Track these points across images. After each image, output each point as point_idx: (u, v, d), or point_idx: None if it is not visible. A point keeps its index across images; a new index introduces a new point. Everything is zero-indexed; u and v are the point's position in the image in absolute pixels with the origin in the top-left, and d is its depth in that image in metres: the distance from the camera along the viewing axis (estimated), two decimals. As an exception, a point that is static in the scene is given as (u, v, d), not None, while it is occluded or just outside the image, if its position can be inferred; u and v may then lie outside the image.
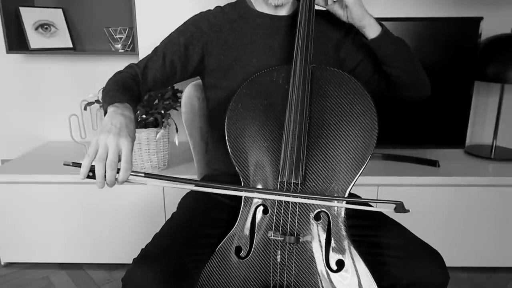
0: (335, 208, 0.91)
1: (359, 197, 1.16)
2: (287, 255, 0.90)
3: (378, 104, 0.95)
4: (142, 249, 0.91)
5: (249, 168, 0.96)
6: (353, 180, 0.92)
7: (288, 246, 0.90)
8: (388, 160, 1.82)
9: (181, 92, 1.52)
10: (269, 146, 0.96)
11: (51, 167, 1.71)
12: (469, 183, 1.64)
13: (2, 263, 1.80)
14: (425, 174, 1.66)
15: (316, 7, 1.05)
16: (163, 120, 1.62)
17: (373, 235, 0.98)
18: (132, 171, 0.80)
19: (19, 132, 2.13)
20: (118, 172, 0.79)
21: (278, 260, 0.90)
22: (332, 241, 0.90)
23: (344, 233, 0.90)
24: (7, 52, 1.87)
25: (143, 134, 1.62)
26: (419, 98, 1.16)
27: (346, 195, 0.92)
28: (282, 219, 0.91)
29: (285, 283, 0.90)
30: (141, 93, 1.07)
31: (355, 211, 0.91)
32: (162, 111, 1.61)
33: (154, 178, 0.82)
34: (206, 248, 0.96)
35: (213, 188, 0.87)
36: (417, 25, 1.67)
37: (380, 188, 1.65)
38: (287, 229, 0.91)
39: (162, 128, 1.64)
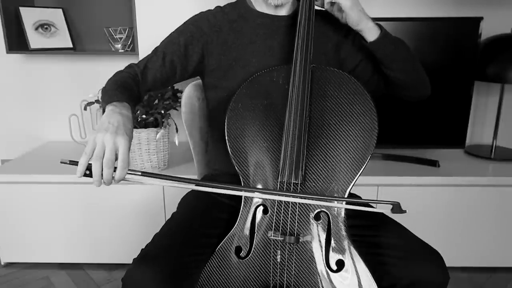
0: (335, 208, 0.91)
1: (358, 197, 1.16)
2: (287, 255, 0.90)
3: (378, 104, 0.95)
4: (142, 249, 0.91)
5: (249, 168, 0.96)
6: (353, 180, 0.92)
7: (288, 246, 0.90)
8: (388, 160, 1.82)
9: (181, 92, 1.52)
10: (269, 146, 0.96)
11: (51, 167, 1.71)
12: (469, 183, 1.64)
13: (2, 263, 1.80)
14: (425, 174, 1.66)
15: (316, 8, 1.05)
16: (163, 120, 1.62)
17: (373, 235, 0.98)
18: (129, 170, 0.80)
19: (19, 132, 2.13)
20: (115, 171, 0.79)
21: (278, 260, 0.90)
22: (332, 241, 0.90)
23: (344, 233, 0.90)
24: (7, 52, 1.87)
25: (143, 134, 1.62)
26: (419, 98, 1.16)
27: (346, 195, 0.92)
28: (282, 219, 0.91)
29: (285, 283, 0.90)
30: (140, 93, 1.07)
31: (355, 211, 0.91)
32: (162, 111, 1.61)
33: (151, 176, 0.82)
34: (206, 248, 0.96)
35: (212, 187, 0.87)
36: (417, 25, 1.67)
37: (380, 188, 1.65)
38: (287, 229, 0.91)
39: (162, 128, 1.64)
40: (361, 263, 0.88)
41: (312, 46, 1.00)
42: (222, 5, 1.15)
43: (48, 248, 1.74)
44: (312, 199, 0.90)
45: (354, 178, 0.92)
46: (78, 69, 2.04)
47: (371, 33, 1.03)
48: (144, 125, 1.62)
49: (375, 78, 1.13)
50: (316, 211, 0.91)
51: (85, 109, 1.68)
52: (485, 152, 1.89)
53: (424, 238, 0.97)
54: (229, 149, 0.98)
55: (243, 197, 0.95)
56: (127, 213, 1.69)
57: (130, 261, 0.87)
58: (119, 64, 1.96)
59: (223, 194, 0.89)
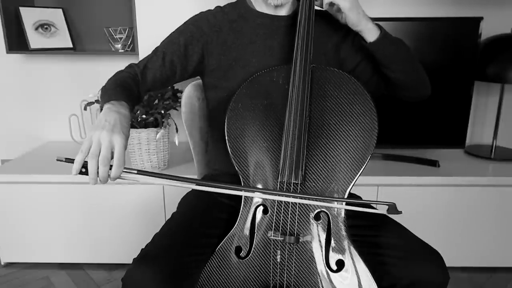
0: (335, 208, 0.91)
1: (358, 197, 1.16)
2: (287, 255, 0.90)
3: (378, 104, 0.95)
4: (142, 249, 0.91)
5: (249, 168, 0.96)
6: (353, 180, 0.92)
7: (288, 246, 0.90)
8: (388, 160, 1.82)
9: (181, 92, 1.52)
10: (269, 146, 0.96)
11: (51, 167, 1.71)
12: (469, 183, 1.64)
13: (2, 263, 1.80)
14: (425, 174, 1.66)
15: (316, 7, 1.05)
16: (163, 120, 1.62)
17: (373, 235, 0.98)
18: (125, 168, 0.80)
19: (19, 132, 2.13)
20: (111, 169, 0.79)
21: (278, 260, 0.90)
22: (332, 241, 0.90)
23: (344, 233, 0.90)
24: (7, 52, 1.87)
25: (143, 134, 1.62)
26: (419, 98, 1.16)
27: (346, 195, 0.92)
28: (282, 219, 0.91)
29: (285, 283, 0.90)
30: (140, 93, 1.07)
31: (355, 211, 0.91)
32: (162, 111, 1.61)
33: (146, 175, 0.82)
34: (206, 248, 0.96)
35: (212, 187, 0.87)
36: (417, 25, 1.67)
37: (380, 188, 1.65)
38: (287, 229, 0.91)
39: (162, 128, 1.64)
40: (361, 263, 0.88)
41: (312, 46, 1.00)
42: (222, 5, 1.15)
43: (48, 248, 1.74)
44: (312, 200, 0.90)
45: (354, 178, 0.92)
46: (78, 69, 2.04)
47: (370, 34, 1.03)
48: (144, 125, 1.62)
49: (375, 79, 1.13)
50: (316, 211, 0.91)
51: (85, 109, 1.68)
52: (485, 152, 1.89)
53: (424, 238, 0.97)
54: (229, 149, 0.98)
55: (243, 197, 0.95)
56: (127, 213, 1.69)
57: (130, 261, 0.87)
58: (119, 64, 1.96)
59: (223, 194, 0.89)
